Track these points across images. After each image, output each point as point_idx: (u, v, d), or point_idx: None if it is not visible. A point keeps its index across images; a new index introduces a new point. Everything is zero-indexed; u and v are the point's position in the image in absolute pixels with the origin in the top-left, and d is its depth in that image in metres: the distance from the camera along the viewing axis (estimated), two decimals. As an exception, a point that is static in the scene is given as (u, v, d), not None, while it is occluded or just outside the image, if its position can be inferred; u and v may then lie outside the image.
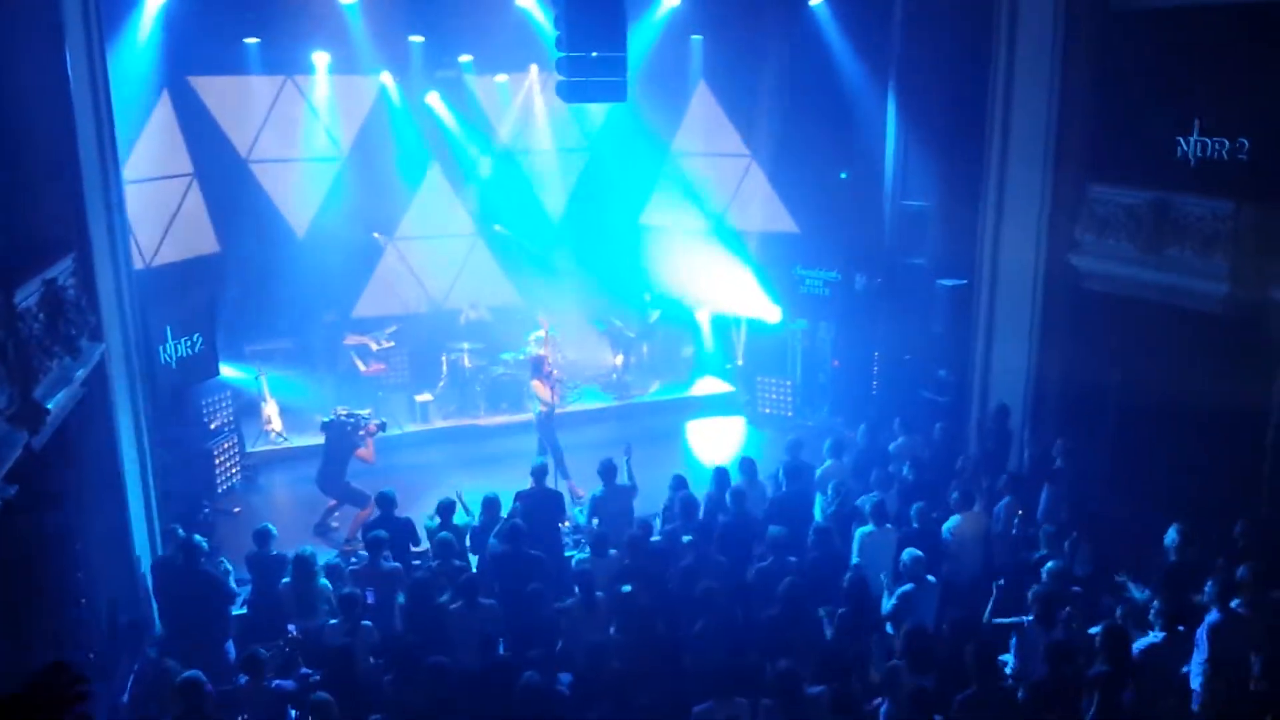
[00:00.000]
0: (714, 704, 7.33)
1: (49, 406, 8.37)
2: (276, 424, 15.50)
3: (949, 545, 10.08)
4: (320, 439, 13.17)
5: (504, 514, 10.60)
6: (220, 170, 16.52)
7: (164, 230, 15.59)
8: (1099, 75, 12.49)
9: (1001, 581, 9.14)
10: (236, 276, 16.34)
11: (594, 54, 10.63)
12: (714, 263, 17.44)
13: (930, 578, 9.11)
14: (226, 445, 14.51)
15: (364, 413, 13.33)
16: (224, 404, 15.00)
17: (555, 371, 14.44)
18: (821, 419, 16.60)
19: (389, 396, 16.42)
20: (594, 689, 7.73)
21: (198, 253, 16.15)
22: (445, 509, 10.58)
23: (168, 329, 12.82)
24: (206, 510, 13.25)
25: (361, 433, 12.94)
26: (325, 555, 12.13)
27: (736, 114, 18.10)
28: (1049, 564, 8.97)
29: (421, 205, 18.10)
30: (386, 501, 10.71)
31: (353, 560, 11.01)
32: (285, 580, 9.56)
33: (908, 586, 8.89)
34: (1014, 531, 10.48)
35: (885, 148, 16.17)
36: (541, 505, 10.84)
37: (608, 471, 11.19)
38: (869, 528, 9.96)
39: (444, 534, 10.05)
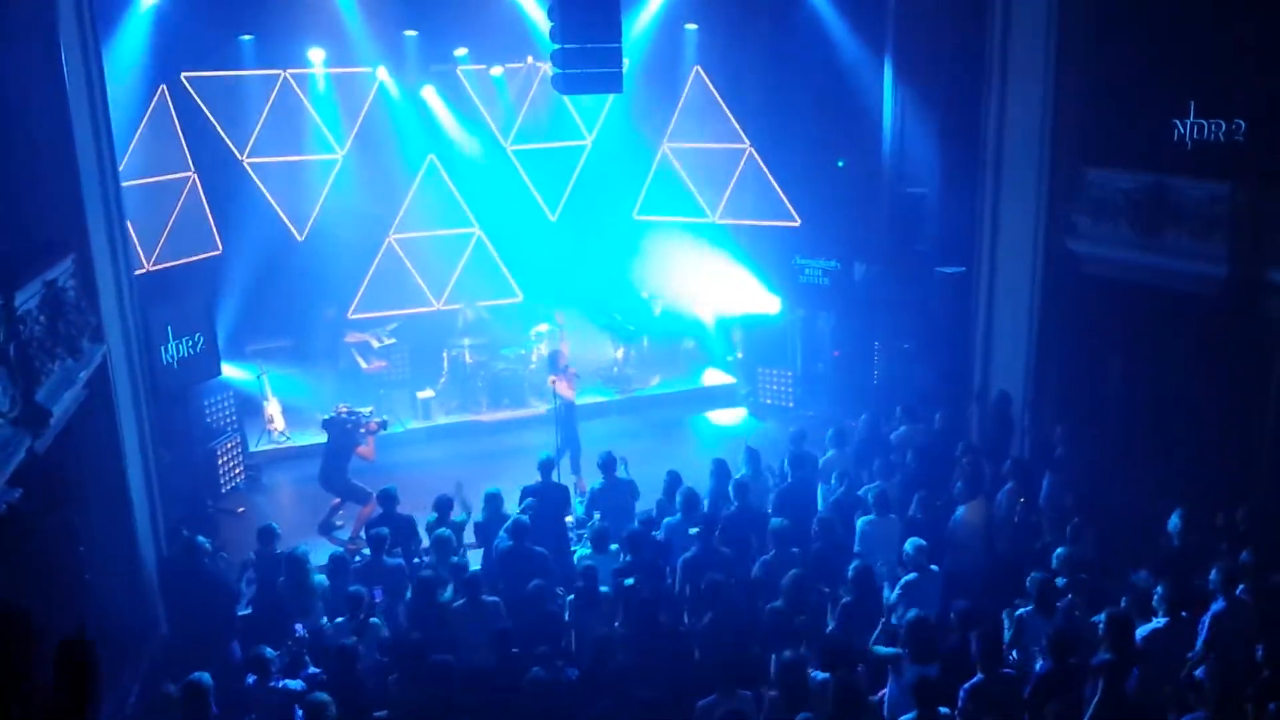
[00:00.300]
0: (719, 697, 7.36)
1: (52, 409, 8.38)
2: (279, 423, 15.51)
3: (954, 536, 10.09)
4: (323, 437, 13.20)
5: (504, 509, 10.63)
6: (219, 170, 16.52)
7: (165, 231, 15.61)
8: (1095, 58, 12.46)
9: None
10: (237, 277, 16.33)
11: (589, 45, 10.61)
12: (710, 256, 17.46)
13: (933, 567, 9.12)
14: (229, 445, 14.52)
15: (365, 410, 13.34)
16: (226, 404, 15.02)
17: (572, 368, 14.46)
18: (822, 409, 16.62)
19: (391, 393, 16.42)
20: (598, 684, 7.76)
21: (199, 254, 16.17)
22: (442, 506, 10.61)
23: (169, 329, 12.83)
24: (210, 507, 13.28)
25: (362, 430, 12.95)
26: (329, 553, 12.22)
27: (733, 103, 18.08)
28: (1059, 550, 8.99)
29: (420, 201, 18.08)
30: (388, 499, 10.74)
31: (357, 558, 11.02)
32: (280, 579, 9.60)
33: (911, 576, 8.91)
34: (1016, 519, 10.49)
35: (883, 135, 16.15)
36: (547, 500, 10.86)
37: (607, 465, 11.21)
38: (871, 517, 9.98)
39: (441, 531, 10.07)
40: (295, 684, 7.98)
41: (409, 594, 9.21)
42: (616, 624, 8.74)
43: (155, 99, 15.49)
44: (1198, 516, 9.41)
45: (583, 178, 18.86)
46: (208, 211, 16.47)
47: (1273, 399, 11.00)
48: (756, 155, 18.02)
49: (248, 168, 16.82)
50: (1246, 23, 11.18)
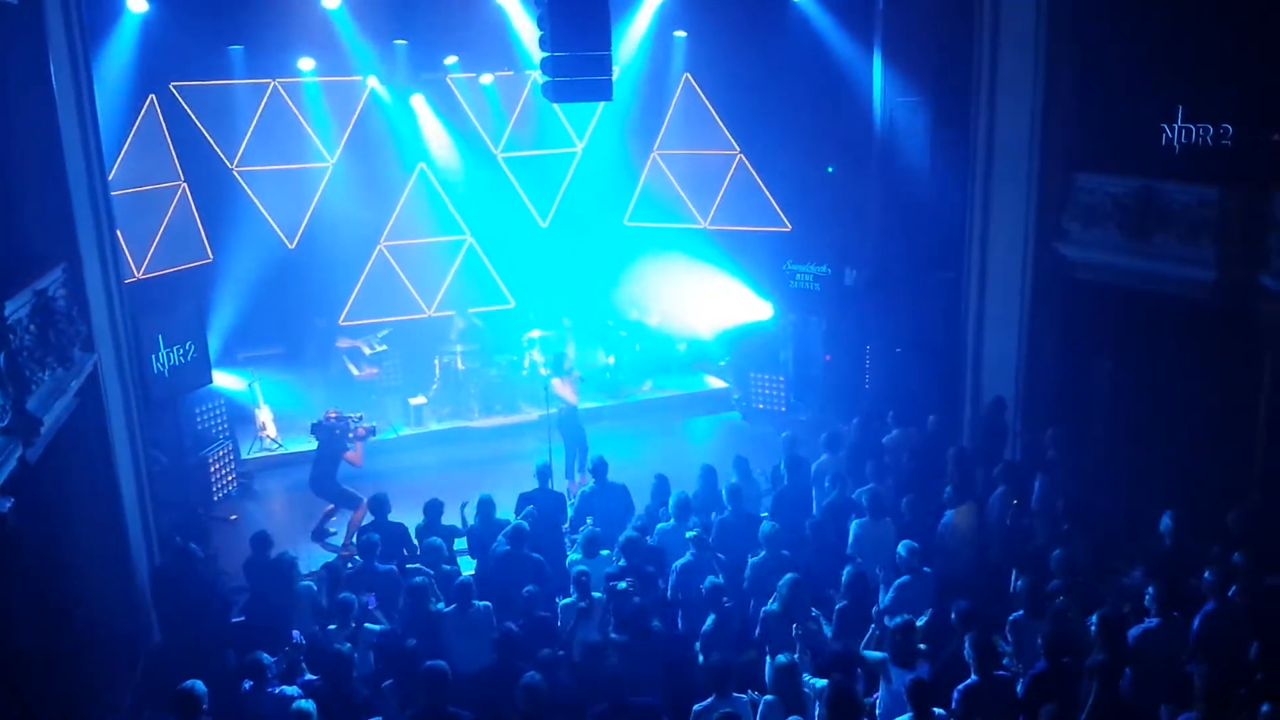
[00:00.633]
0: (714, 700, 7.36)
1: (43, 418, 8.36)
2: (271, 430, 15.48)
3: (942, 540, 10.11)
4: (314, 444, 13.17)
5: (498, 515, 10.63)
6: (209, 179, 16.52)
7: (155, 240, 15.60)
8: (1083, 64, 12.51)
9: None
10: (228, 285, 16.30)
11: (578, 53, 10.62)
12: (701, 268, 17.49)
13: (927, 569, 9.14)
14: (221, 452, 14.49)
15: (354, 416, 13.31)
16: (218, 411, 14.99)
17: (576, 371, 14.50)
18: (814, 414, 16.64)
19: (383, 400, 16.43)
20: (592, 689, 7.76)
21: (190, 262, 16.17)
22: (432, 511, 10.60)
23: (160, 337, 12.81)
24: (202, 514, 13.25)
25: (351, 435, 12.93)
26: (323, 559, 12.21)
27: (723, 110, 18.12)
28: (1056, 552, 9.01)
29: (411, 208, 18.08)
30: (380, 505, 10.72)
31: (349, 565, 11.02)
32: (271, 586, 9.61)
33: (904, 579, 8.93)
34: (1008, 522, 10.51)
35: (873, 140, 16.20)
36: (544, 506, 10.85)
37: (599, 469, 11.22)
38: (864, 519, 9.99)
39: (431, 539, 10.07)
40: (292, 690, 7.96)
41: (401, 600, 9.20)
42: (610, 629, 8.73)
43: (144, 108, 15.52)
44: (1188, 518, 9.43)
45: (573, 185, 18.88)
46: (198, 220, 16.48)
47: (1263, 401, 11.04)
48: (747, 161, 18.07)
49: (237, 176, 16.82)
50: (1234, 28, 11.23)
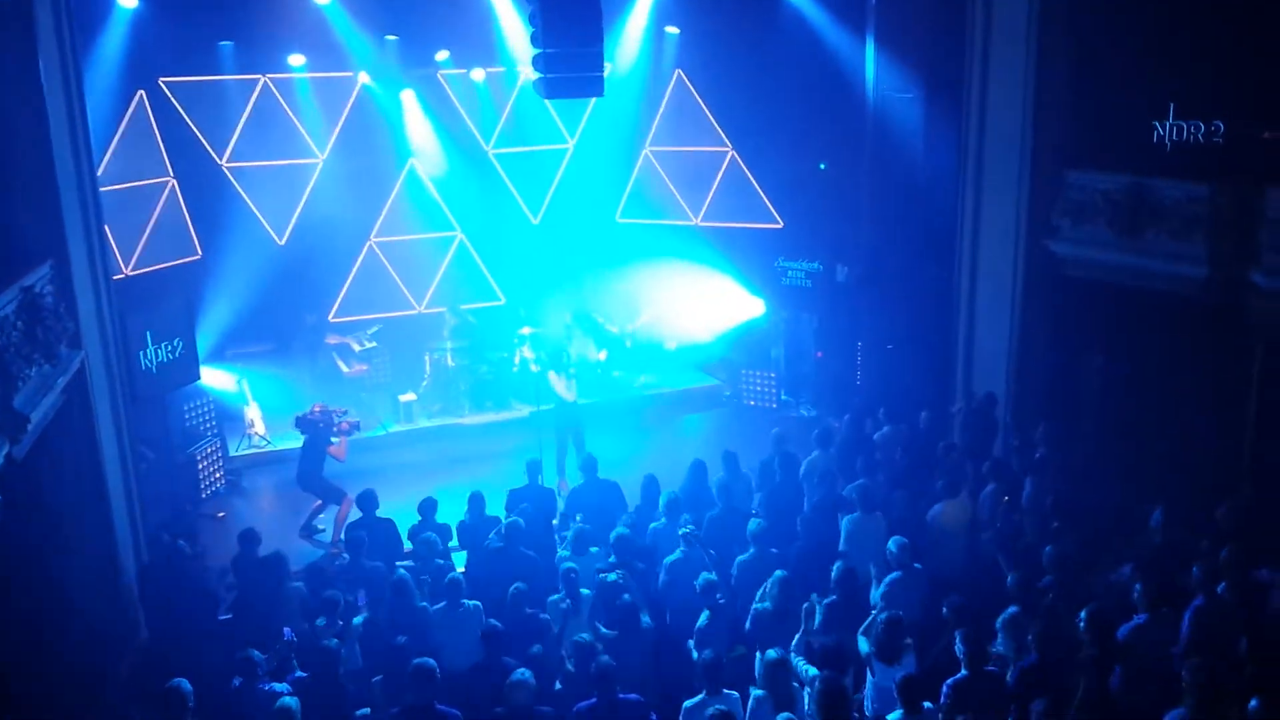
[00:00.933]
0: (705, 697, 7.35)
1: (30, 415, 8.32)
2: (259, 427, 15.43)
3: (930, 534, 10.11)
4: (302, 441, 13.14)
5: (488, 511, 10.61)
6: (199, 175, 16.46)
7: (144, 236, 15.54)
8: (1075, 61, 12.53)
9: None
10: (218, 281, 16.25)
11: (570, 49, 10.60)
12: (693, 270, 17.50)
13: (918, 565, 9.13)
14: (210, 449, 14.44)
15: (338, 410, 13.27)
16: (206, 408, 14.94)
17: (572, 368, 14.50)
18: (802, 411, 16.65)
19: (372, 397, 16.39)
20: (582, 686, 7.74)
21: (179, 258, 16.11)
22: (426, 509, 10.57)
23: (148, 334, 12.76)
24: (190, 511, 13.20)
25: (335, 429, 12.89)
26: (311, 556, 12.18)
27: (714, 107, 18.10)
28: (1048, 549, 9.00)
29: (401, 204, 18.03)
30: (367, 502, 10.69)
31: (339, 561, 11.00)
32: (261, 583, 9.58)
33: (895, 575, 8.92)
34: (998, 524, 10.50)
35: (864, 137, 16.19)
36: (534, 503, 10.83)
37: (588, 466, 11.19)
38: (856, 515, 9.98)
39: (426, 535, 10.05)
40: (282, 687, 7.93)
41: (389, 597, 9.17)
42: (600, 626, 8.71)
43: (134, 104, 15.45)
44: (1179, 513, 9.44)
45: (565, 181, 18.85)
46: (187, 216, 16.42)
47: (1253, 396, 11.07)
48: (738, 158, 18.06)
49: (227, 172, 16.76)
50: (1225, 25, 11.25)
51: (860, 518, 9.94)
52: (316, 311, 17.24)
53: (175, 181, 16.24)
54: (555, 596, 9.04)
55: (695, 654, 8.29)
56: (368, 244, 17.88)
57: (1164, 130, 11.95)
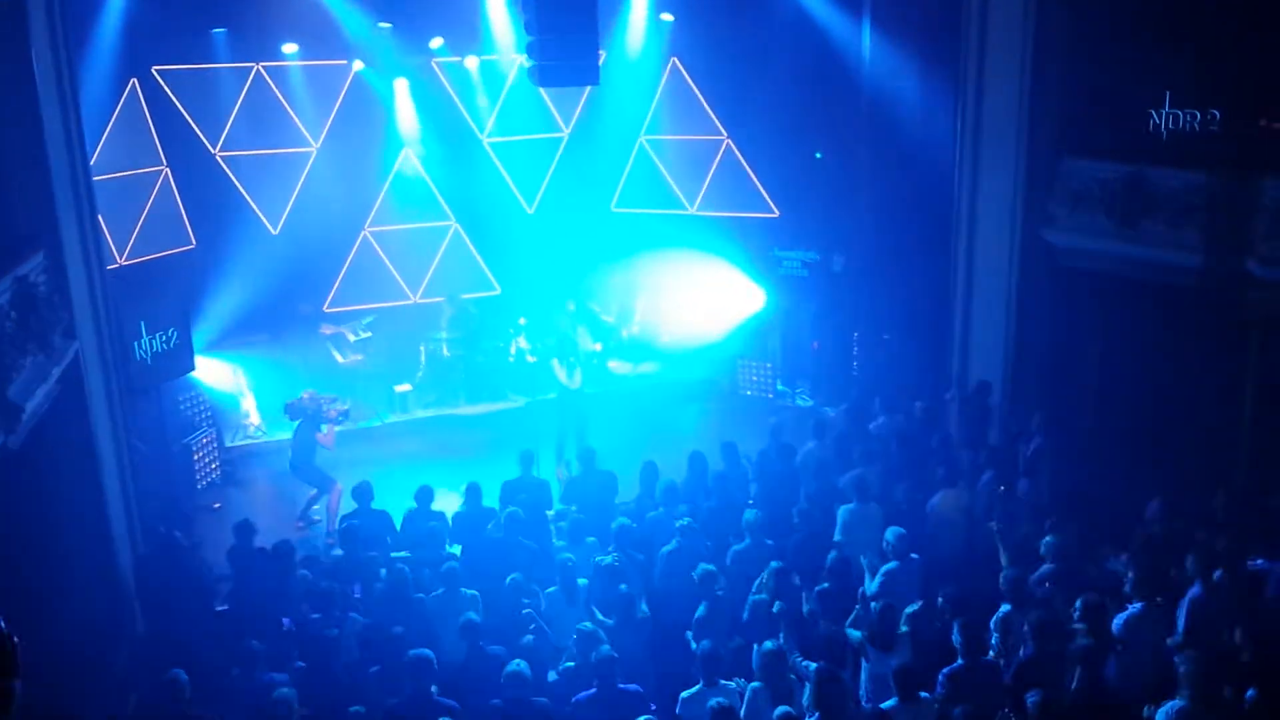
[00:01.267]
0: (703, 688, 7.34)
1: (24, 405, 8.29)
2: (254, 418, 15.40)
3: (928, 522, 10.11)
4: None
5: (485, 502, 10.60)
6: (192, 164, 16.38)
7: (138, 226, 15.48)
8: (1071, 50, 12.49)
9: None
10: (212, 271, 16.19)
11: (564, 37, 10.52)
12: (688, 252, 17.46)
13: (914, 555, 9.13)
14: (205, 440, 14.42)
15: (329, 398, 13.24)
16: (201, 399, 14.90)
17: (571, 357, 14.50)
18: (799, 401, 16.64)
19: (368, 387, 16.35)
20: (579, 676, 7.73)
21: (173, 248, 16.05)
22: (423, 498, 10.56)
23: (142, 324, 12.72)
24: (186, 502, 13.19)
25: (324, 416, 12.87)
26: (308, 547, 12.16)
27: (710, 95, 18.02)
28: (1047, 539, 9.00)
29: (395, 193, 17.96)
30: (362, 492, 10.67)
31: (333, 553, 10.99)
32: (265, 574, 9.55)
33: (891, 565, 8.92)
34: (994, 520, 10.49)
35: (860, 126, 16.14)
36: (529, 494, 10.82)
37: (585, 456, 11.17)
38: (852, 505, 9.97)
39: (432, 524, 10.04)
40: (280, 677, 7.93)
41: (384, 588, 9.16)
42: (596, 610, 8.70)
43: (126, 93, 15.35)
44: (1175, 503, 9.45)
45: (560, 170, 18.76)
46: (180, 206, 16.34)
47: (1248, 386, 11.08)
48: (734, 147, 17.99)
49: (220, 161, 16.67)
50: (1222, 13, 11.23)
51: (856, 508, 9.94)
52: (311, 301, 17.19)
53: (169, 170, 16.16)
54: (552, 589, 9.03)
55: (694, 645, 8.30)
56: (362, 233, 17.80)
57: (1161, 119, 11.93)
